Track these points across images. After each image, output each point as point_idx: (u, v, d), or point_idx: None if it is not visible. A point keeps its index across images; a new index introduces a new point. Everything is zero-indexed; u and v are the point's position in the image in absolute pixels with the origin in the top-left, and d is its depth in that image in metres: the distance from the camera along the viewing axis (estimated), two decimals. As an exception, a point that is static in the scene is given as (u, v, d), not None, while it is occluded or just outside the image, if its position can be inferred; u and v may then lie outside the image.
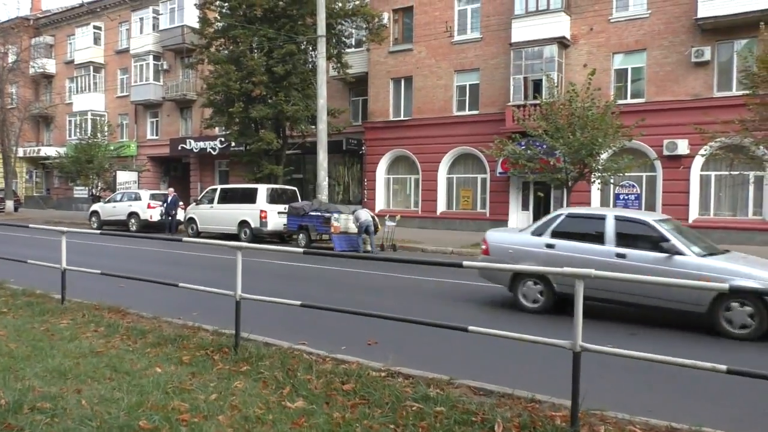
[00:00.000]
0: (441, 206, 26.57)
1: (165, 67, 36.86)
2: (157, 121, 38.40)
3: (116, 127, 37.83)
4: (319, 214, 17.60)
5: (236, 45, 23.30)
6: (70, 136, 40.06)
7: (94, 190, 29.90)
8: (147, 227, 22.55)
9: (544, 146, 17.96)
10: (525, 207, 24.60)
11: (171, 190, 20.85)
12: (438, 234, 23.39)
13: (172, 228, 21.79)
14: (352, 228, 17.67)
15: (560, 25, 22.70)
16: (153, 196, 23.32)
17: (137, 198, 23.49)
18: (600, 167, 17.16)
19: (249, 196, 19.63)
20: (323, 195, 21.27)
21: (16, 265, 10.01)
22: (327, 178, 21.56)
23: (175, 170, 39.09)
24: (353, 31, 25.53)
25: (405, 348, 6.29)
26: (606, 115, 16.63)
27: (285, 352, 5.55)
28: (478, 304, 9.41)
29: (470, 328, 4.52)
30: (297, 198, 20.70)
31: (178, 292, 8.27)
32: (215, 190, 21.17)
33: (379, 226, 17.71)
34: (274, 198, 19.75)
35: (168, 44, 35.45)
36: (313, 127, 24.36)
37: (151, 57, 36.73)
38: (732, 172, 18.07)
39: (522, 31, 23.20)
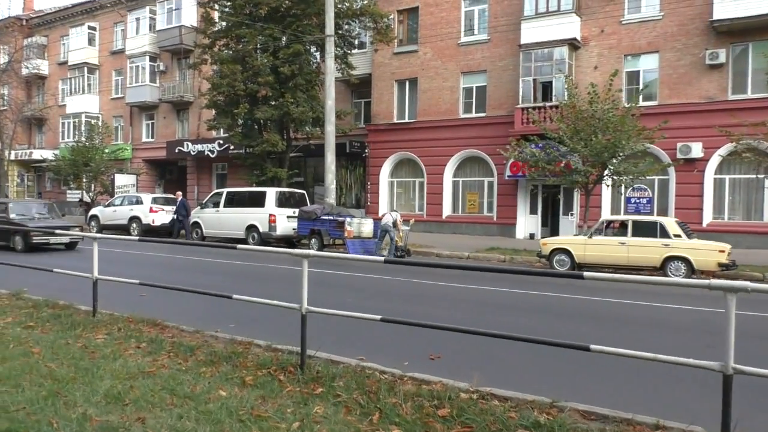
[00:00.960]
0: (447, 210, 26.16)
1: (161, 68, 36.21)
2: (152, 123, 37.70)
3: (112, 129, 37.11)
4: (332, 218, 17.12)
5: (241, 44, 22.75)
6: (63, 138, 39.25)
7: (88, 195, 29.13)
8: (149, 232, 21.88)
9: (560, 149, 17.64)
10: (533, 211, 24.25)
11: (179, 193, 20.16)
12: (446, 238, 22.99)
13: (186, 232, 21.00)
14: (366, 232, 17.25)
15: (571, 27, 22.40)
16: (155, 200, 22.69)
17: (139, 202, 22.82)
18: (621, 170, 16.83)
19: (257, 200, 19.09)
20: (331, 198, 20.80)
21: (29, 274, 9.46)
22: (334, 181, 21.07)
23: (171, 173, 38.39)
24: (360, 31, 25.00)
25: (471, 362, 5.83)
26: (627, 117, 16.33)
27: (356, 371, 5.07)
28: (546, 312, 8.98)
29: (592, 347, 4.00)
30: (305, 201, 20.21)
31: (202, 301, 7.82)
32: (221, 193, 20.60)
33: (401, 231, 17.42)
34: (283, 202, 19.24)
35: (165, 45, 34.81)
36: (318, 129, 23.97)
37: (147, 58, 36.05)
38: (759, 176, 17.84)
39: (532, 32, 22.88)
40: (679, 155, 20.49)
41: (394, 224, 16.85)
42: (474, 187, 25.84)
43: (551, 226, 24.01)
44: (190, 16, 34.29)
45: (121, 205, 23.59)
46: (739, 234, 19.61)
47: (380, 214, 19.94)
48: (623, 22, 22.02)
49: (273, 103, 22.25)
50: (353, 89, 29.04)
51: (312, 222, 17.38)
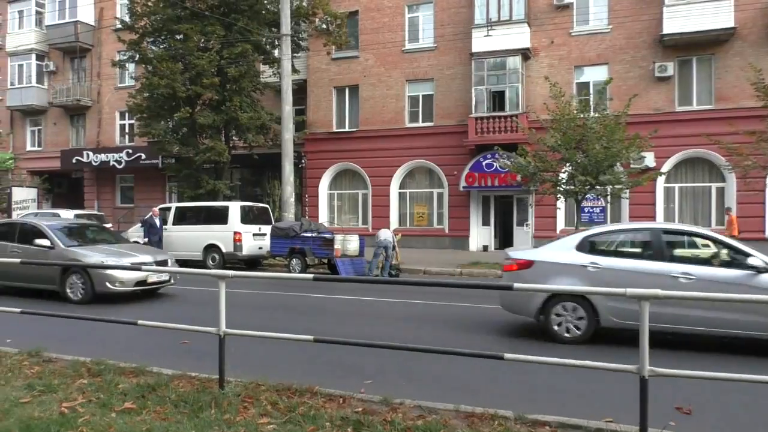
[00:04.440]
0: (394, 223, 24.95)
1: (51, 68, 31.99)
2: (40, 129, 33.17)
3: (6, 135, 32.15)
4: (316, 235, 15.37)
5: (178, 41, 20.20)
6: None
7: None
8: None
9: (547, 159, 17.25)
10: (486, 222, 23.83)
11: (156, 210, 16.74)
12: (402, 253, 21.85)
13: None
14: (351, 250, 15.78)
15: (522, 37, 22.30)
16: (78, 217, 19.41)
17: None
18: (617, 180, 16.70)
19: (218, 216, 16.77)
20: (290, 213, 19.00)
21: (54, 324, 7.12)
22: (293, 194, 19.27)
23: (60, 186, 33.91)
24: (305, 32, 23.29)
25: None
26: (617, 125, 16.26)
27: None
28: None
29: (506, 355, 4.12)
30: (269, 216, 18.18)
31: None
32: (167, 209, 17.97)
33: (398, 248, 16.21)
34: (248, 218, 17.08)
35: (56, 42, 30.80)
36: (261, 137, 22.05)
37: (33, 56, 31.71)
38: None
39: (484, 41, 22.51)
40: (633, 165, 20.91)
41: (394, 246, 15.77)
42: (423, 198, 24.99)
43: (503, 238, 23.72)
44: (86, 11, 30.63)
45: (28, 224, 19.88)
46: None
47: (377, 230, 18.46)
48: (573, 34, 22.28)
49: (217, 107, 19.96)
50: (283, 96, 27.12)
51: (290, 240, 15.46)
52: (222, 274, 5.12)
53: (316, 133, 25.84)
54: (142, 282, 10.75)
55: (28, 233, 11.29)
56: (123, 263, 10.44)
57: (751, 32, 20.12)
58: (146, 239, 15.94)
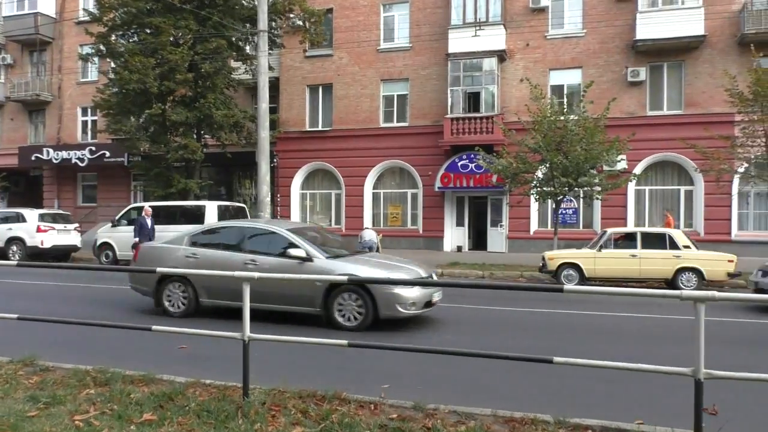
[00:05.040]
0: (367, 223, 24.72)
1: (9, 61, 30.69)
2: (-5, 125, 31.77)
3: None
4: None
5: (150, 35, 19.53)
6: None
7: None
8: (37, 256, 17.84)
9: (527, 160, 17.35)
10: (460, 223, 23.85)
11: (148, 209, 15.71)
12: (384, 253, 21.69)
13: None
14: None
15: (499, 39, 22.40)
16: (43, 217, 18.59)
17: (21, 219, 18.49)
18: (596, 182, 16.89)
19: (193, 216, 16.24)
20: (265, 213, 18.58)
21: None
22: (269, 194, 18.86)
23: (17, 185, 32.54)
24: (281, 28, 22.89)
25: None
26: (597, 128, 16.45)
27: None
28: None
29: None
30: (246, 216, 17.74)
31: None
32: (140, 208, 17.31)
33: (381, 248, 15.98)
34: (224, 217, 16.61)
35: (14, 35, 29.57)
36: (234, 135, 21.60)
37: (-11, 48, 30.36)
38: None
39: (460, 42, 22.53)
40: (606, 168, 21.23)
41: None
42: (397, 199, 24.86)
43: (475, 239, 23.77)
44: (47, 3, 29.52)
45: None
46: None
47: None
48: (548, 37, 22.50)
49: (195, 105, 19.40)
50: (253, 93, 26.54)
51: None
52: (247, 277, 4.87)
53: (288, 132, 25.43)
54: (429, 303, 8.63)
55: (264, 239, 9.19)
56: (413, 279, 8.33)
57: (720, 40, 20.66)
58: (136, 239, 15.11)
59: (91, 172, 29.64)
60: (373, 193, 25.00)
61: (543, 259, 15.05)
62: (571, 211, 22.45)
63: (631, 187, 21.59)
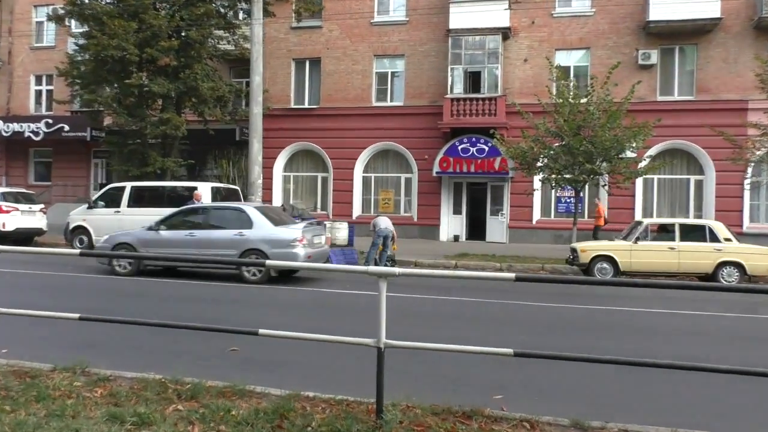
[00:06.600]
0: (357, 209, 23.24)
1: (-49, 22, 27.44)
2: (-67, 93, 28.46)
3: None
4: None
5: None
6: None
7: None
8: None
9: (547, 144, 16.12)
10: (457, 211, 22.49)
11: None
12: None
13: None
14: (341, 239, 13.99)
15: (502, 15, 21.03)
16: (6, 196, 16.20)
17: (-22, 198, 16.08)
18: (624, 167, 15.83)
19: (184, 199, 14.29)
20: (257, 196, 16.83)
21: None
22: (261, 176, 17.08)
23: (-43, 161, 29.40)
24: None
25: None
26: (619, 112, 15.42)
27: None
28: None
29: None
30: (239, 199, 15.88)
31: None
32: (121, 188, 15.20)
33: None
34: (215, 200, 14.68)
35: (-43, -9, 26.40)
36: (218, 110, 19.62)
37: (-73, 6, 27.04)
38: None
39: (462, 17, 21.05)
40: (629, 154, 20.27)
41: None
42: (389, 184, 23.30)
43: (472, 227, 22.49)
44: (-3, -43, 26.44)
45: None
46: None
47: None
48: (554, 15, 21.28)
49: (180, 75, 17.27)
50: (232, 66, 24.41)
51: (276, 227, 13.42)
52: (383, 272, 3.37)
53: (271, 109, 23.37)
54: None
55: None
56: None
57: (735, 23, 19.86)
58: None
59: (45, 148, 26.88)
60: (363, 177, 23.38)
61: (574, 251, 13.90)
62: (573, 200, 21.37)
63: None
